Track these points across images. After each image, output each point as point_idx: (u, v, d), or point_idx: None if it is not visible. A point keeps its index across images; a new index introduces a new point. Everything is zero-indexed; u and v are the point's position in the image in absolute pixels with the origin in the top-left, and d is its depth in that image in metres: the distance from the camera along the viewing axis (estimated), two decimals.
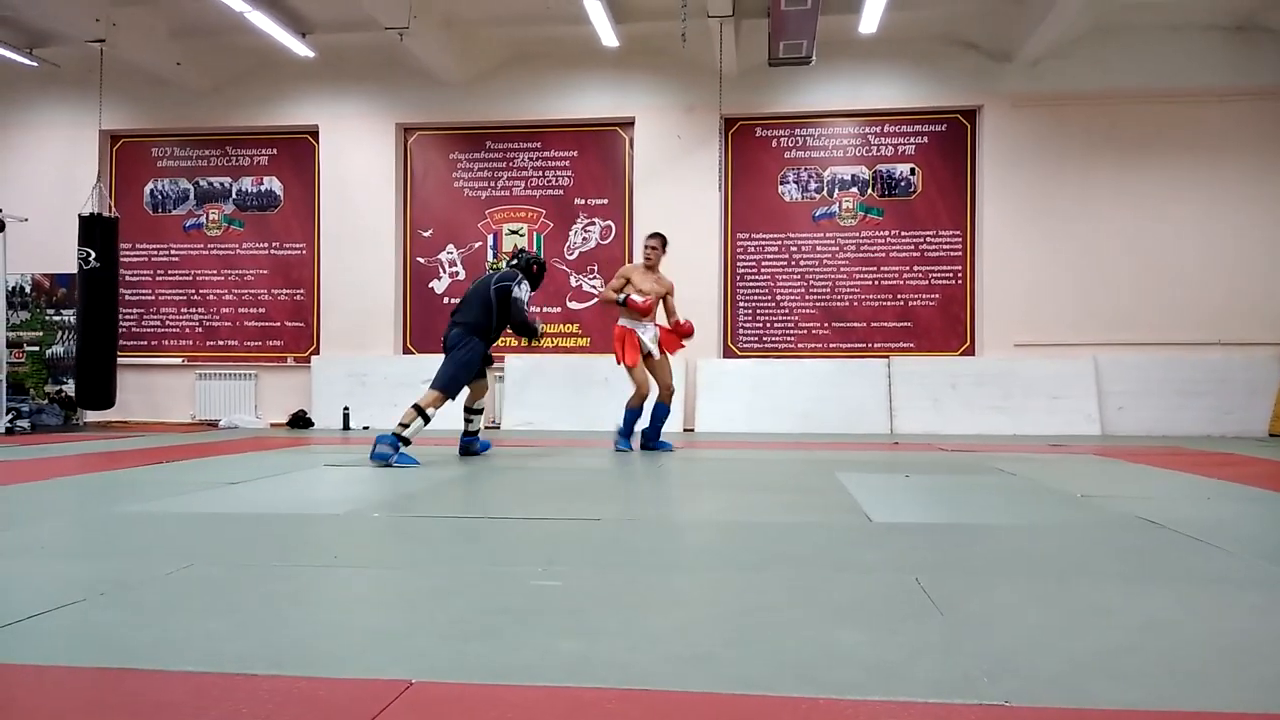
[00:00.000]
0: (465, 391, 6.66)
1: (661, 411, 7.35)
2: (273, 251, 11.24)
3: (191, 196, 11.39)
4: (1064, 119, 10.03)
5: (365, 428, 10.24)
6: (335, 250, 10.98)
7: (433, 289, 10.99)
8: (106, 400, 10.19)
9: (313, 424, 10.53)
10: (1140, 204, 9.89)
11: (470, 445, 6.82)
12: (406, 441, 5.99)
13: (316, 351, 11.01)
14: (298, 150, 11.21)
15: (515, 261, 6.75)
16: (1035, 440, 8.60)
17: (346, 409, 10.37)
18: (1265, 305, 9.70)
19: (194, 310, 11.33)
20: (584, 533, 3.44)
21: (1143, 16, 9.59)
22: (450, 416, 10.27)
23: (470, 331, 6.40)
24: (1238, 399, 9.52)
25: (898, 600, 2.38)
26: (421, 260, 11.01)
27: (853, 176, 10.44)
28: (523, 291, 6.41)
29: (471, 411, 6.80)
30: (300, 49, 9.97)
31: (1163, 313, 9.84)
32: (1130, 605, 2.36)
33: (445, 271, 10.97)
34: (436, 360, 10.62)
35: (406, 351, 10.99)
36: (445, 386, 6.24)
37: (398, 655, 1.90)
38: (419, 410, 6.04)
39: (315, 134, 11.11)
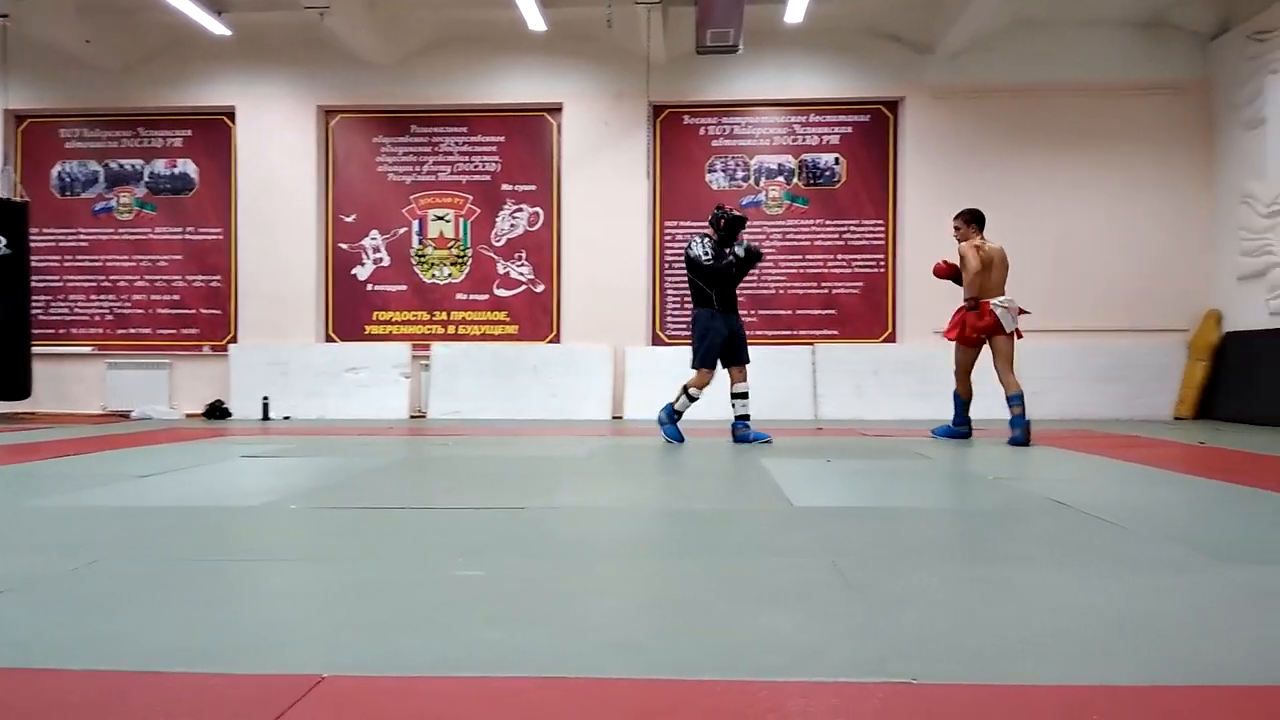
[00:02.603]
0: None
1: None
2: (187, 236, 10.88)
3: (101, 179, 10.97)
4: (983, 110, 10.26)
5: (286, 418, 10.01)
6: (253, 235, 10.69)
7: (355, 275, 10.78)
8: (22, 390, 9.79)
9: (230, 414, 10.25)
10: (1056, 194, 10.18)
11: (742, 432, 6.85)
12: (678, 415, 6.75)
13: (234, 340, 10.71)
14: (213, 132, 10.87)
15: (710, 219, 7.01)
16: None
17: (266, 399, 10.12)
18: (1173, 293, 10.07)
19: (104, 297, 10.93)
20: (508, 522, 3.42)
21: (1059, 12, 9.85)
22: (366, 405, 10.13)
23: (696, 303, 6.86)
24: (1146, 384, 9.88)
25: (818, 584, 2.42)
26: (344, 246, 10.78)
27: (779, 165, 10.54)
28: (699, 247, 6.78)
29: (735, 396, 6.89)
30: (216, 27, 9.65)
31: (1077, 301, 10.15)
32: (1040, 585, 2.43)
33: (369, 257, 10.76)
34: (361, 347, 10.58)
35: (329, 339, 10.76)
36: (697, 363, 6.77)
37: (311, 650, 1.86)
38: (684, 390, 6.75)
39: (232, 115, 10.78)
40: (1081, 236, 10.17)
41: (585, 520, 3.53)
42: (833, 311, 10.49)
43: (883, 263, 10.47)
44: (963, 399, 7.24)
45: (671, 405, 6.81)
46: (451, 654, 1.82)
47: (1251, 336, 9.20)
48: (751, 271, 7.12)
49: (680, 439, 6.77)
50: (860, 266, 10.48)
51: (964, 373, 7.17)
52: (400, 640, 1.91)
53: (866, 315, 10.49)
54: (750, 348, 10.31)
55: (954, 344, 7.16)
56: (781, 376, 10.04)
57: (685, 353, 10.26)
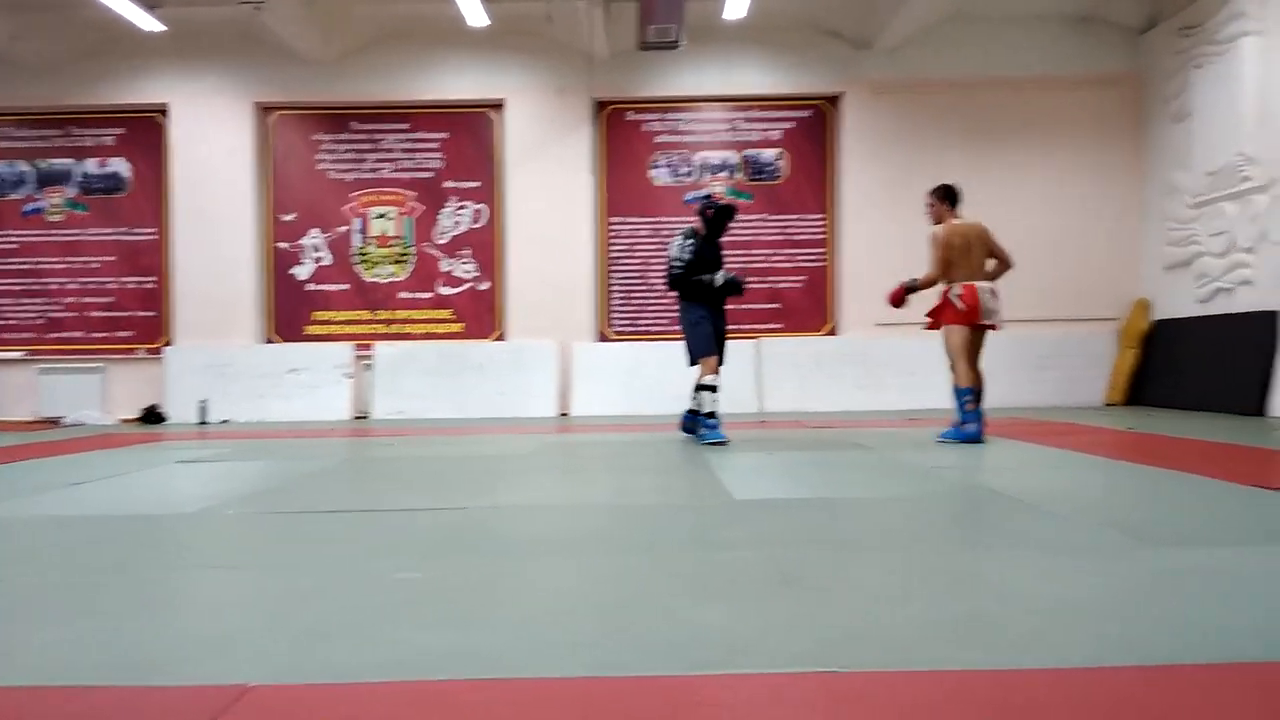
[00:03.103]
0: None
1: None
2: (120, 237, 10.62)
3: (31, 180, 10.65)
4: (921, 105, 10.42)
5: (225, 421, 9.82)
6: (189, 235, 10.46)
7: (295, 275, 10.60)
8: None
9: (167, 419, 10.03)
10: (991, 187, 10.34)
11: (691, 425, 6.52)
12: (713, 415, 6.21)
13: (170, 342, 10.48)
14: (146, 130, 10.61)
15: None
16: (893, 415, 8.96)
17: (204, 402, 9.92)
18: (1104, 283, 10.34)
19: (35, 300, 10.62)
20: (450, 523, 3.40)
21: (994, 6, 10.04)
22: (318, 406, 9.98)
23: (681, 298, 6.49)
24: (1079, 371, 10.14)
25: (754, 576, 2.45)
26: (284, 245, 10.60)
27: (722, 161, 10.60)
28: (677, 248, 6.35)
29: (700, 387, 6.39)
30: (148, 23, 9.42)
31: (1013, 291, 10.17)
32: (973, 571, 2.49)
33: (309, 256, 10.59)
34: (302, 348, 10.42)
35: (269, 341, 10.58)
36: (692, 355, 6.41)
37: (239, 659, 1.83)
38: (697, 388, 6.34)
39: (165, 112, 10.53)
40: (1016, 228, 10.28)
41: (527, 519, 3.53)
42: (776, 305, 10.58)
43: (824, 256, 10.59)
44: (971, 389, 6.17)
45: (698, 413, 6.36)
46: (384, 658, 1.81)
47: (1179, 324, 9.48)
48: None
49: (724, 439, 6.12)
50: (802, 260, 10.59)
51: (962, 353, 6.22)
52: (331, 646, 1.90)
53: (809, 308, 10.60)
54: None
55: (943, 329, 6.34)
56: (727, 370, 10.07)
57: (631, 348, 10.36)
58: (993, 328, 6.40)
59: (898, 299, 6.55)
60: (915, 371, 10.10)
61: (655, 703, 1.56)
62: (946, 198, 6.51)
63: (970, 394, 6.14)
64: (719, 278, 6.37)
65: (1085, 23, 10.28)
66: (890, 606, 2.15)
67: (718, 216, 6.42)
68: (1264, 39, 8.26)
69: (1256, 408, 8.01)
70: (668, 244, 10.37)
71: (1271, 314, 8.10)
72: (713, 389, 6.28)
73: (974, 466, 4.81)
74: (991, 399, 9.83)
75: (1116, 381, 9.99)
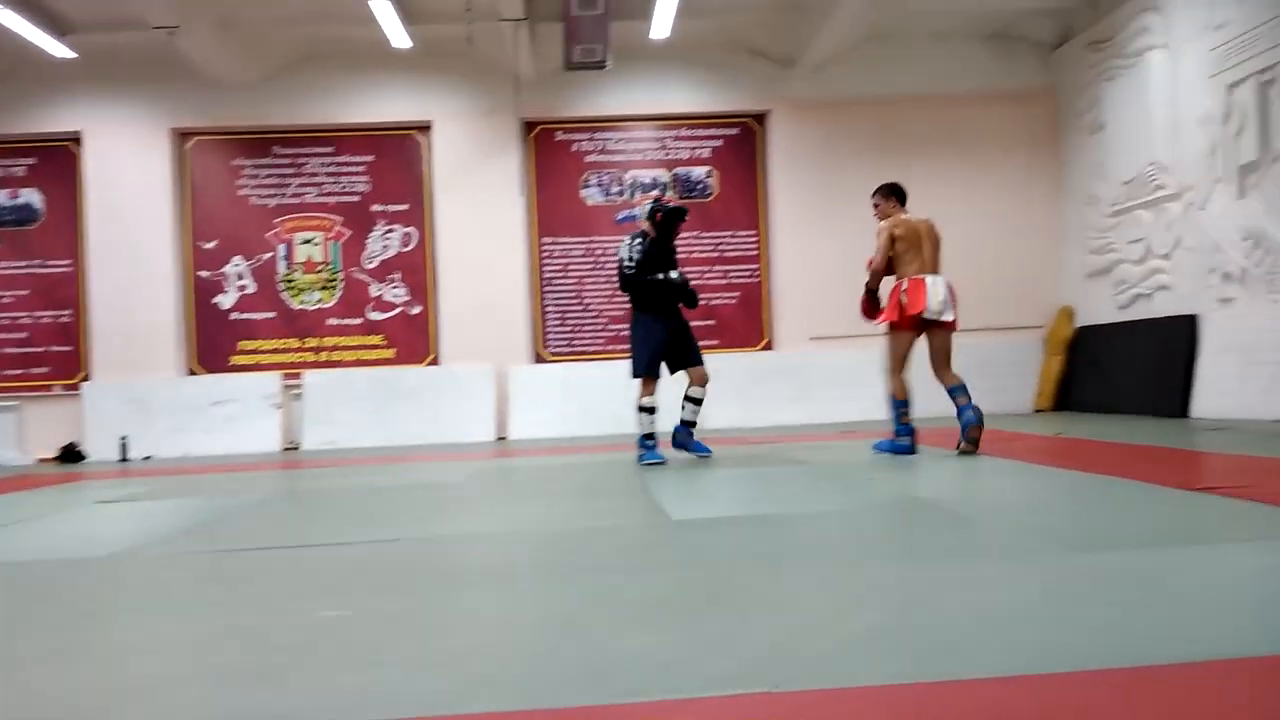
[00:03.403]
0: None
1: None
2: (34, 270, 10.23)
3: None
4: (845, 122, 10.58)
5: (147, 458, 9.48)
6: (106, 266, 10.11)
7: (218, 304, 10.32)
8: None
9: (86, 457, 9.65)
10: (915, 201, 10.31)
11: (681, 437, 6.22)
12: (651, 437, 6.03)
13: (88, 377, 10.11)
14: (59, 159, 10.26)
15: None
16: (830, 428, 9.03)
17: (125, 438, 9.57)
18: (1028, 292, 10.58)
19: None
20: (379, 556, 3.31)
21: (912, 25, 10.24)
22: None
23: (635, 308, 6.17)
24: (1007, 379, 10.34)
25: (689, 597, 2.42)
26: (204, 274, 10.31)
27: (653, 179, 10.63)
28: (627, 249, 6.02)
29: (689, 399, 6.19)
30: (59, 50, 9.13)
31: None
32: (899, 583, 2.50)
33: (232, 285, 10.33)
34: (227, 379, 10.15)
35: (192, 373, 10.27)
36: (634, 371, 6.12)
37: (158, 710, 1.74)
38: (638, 409, 6.08)
39: (79, 140, 10.21)
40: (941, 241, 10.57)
41: (459, 549, 3.46)
42: (712, 322, 10.59)
43: (757, 272, 10.67)
44: (900, 400, 6.01)
45: (690, 423, 6.17)
46: (306, 703, 1.73)
47: (1101, 330, 9.75)
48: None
49: (661, 460, 5.99)
50: (736, 277, 10.66)
51: (898, 364, 6.04)
52: (256, 690, 1.81)
53: (744, 324, 10.67)
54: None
55: (887, 334, 6.14)
56: (664, 390, 10.07)
57: (568, 369, 10.30)
58: (950, 325, 6.14)
59: (868, 308, 6.34)
60: (852, 384, 10.20)
61: None
62: (892, 194, 6.31)
63: (904, 406, 5.93)
64: (674, 275, 6.06)
65: (999, 40, 10.56)
66: (820, 622, 2.14)
67: (667, 219, 6.10)
68: (1169, 52, 8.56)
69: (1179, 410, 8.24)
70: (600, 264, 10.48)
71: (1190, 318, 8.35)
72: (650, 410, 6.10)
73: (907, 478, 4.85)
74: (921, 409, 9.99)
75: (1044, 388, 10.23)
